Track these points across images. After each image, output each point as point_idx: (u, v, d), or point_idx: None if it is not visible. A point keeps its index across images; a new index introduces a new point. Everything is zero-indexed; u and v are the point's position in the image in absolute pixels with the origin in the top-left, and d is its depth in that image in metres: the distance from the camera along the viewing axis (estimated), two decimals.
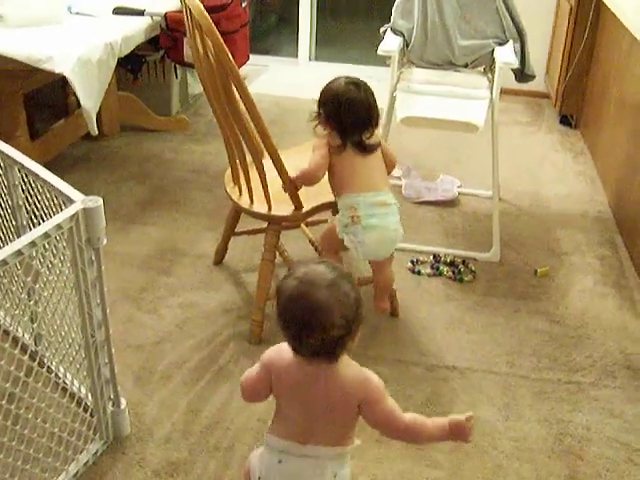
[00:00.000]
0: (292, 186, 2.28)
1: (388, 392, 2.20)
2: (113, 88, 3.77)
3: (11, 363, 1.66)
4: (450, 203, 3.45)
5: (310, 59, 5.36)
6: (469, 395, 2.31)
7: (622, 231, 3.26)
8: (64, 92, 3.83)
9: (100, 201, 1.75)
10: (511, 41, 3.01)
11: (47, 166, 1.82)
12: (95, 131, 2.85)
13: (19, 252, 1.57)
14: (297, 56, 5.35)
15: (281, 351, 1.59)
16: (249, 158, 2.29)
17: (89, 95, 2.78)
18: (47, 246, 1.71)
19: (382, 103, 3.03)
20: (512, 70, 3.00)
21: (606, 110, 3.77)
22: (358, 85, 2.25)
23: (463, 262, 2.95)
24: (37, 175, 1.88)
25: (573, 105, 4.35)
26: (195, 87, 4.49)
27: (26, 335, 2.24)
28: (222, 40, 2.01)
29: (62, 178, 1.85)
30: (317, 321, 1.44)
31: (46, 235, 1.63)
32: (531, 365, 2.45)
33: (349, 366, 1.58)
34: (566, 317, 2.70)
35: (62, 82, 3.64)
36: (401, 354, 2.47)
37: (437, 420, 1.60)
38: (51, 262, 1.85)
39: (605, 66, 3.88)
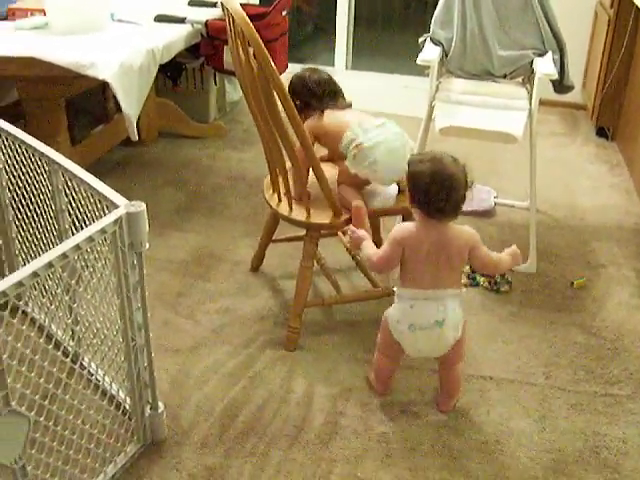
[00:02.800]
0: (331, 195, 2.30)
1: (422, 403, 2.23)
2: (152, 94, 3.82)
3: (53, 364, 1.69)
4: (486, 213, 3.44)
5: (347, 68, 5.38)
6: (505, 406, 2.30)
7: None
8: (104, 98, 3.87)
9: (143, 206, 1.77)
10: (550, 52, 3.00)
11: (87, 170, 1.87)
12: (135, 137, 2.88)
13: (64, 255, 1.60)
14: (334, 65, 5.37)
15: (406, 228, 2.08)
16: (288, 165, 2.31)
17: (130, 101, 2.81)
18: (91, 249, 1.74)
19: (420, 112, 3.06)
20: (551, 81, 2.99)
21: None
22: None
23: (503, 275, 2.94)
24: (81, 179, 1.91)
25: (610, 117, 4.32)
26: (233, 94, 4.53)
27: (67, 337, 2.27)
28: (265, 48, 2.03)
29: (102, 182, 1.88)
30: (457, 185, 1.97)
31: (90, 239, 1.66)
32: (567, 377, 2.44)
33: (454, 225, 2.08)
34: (602, 329, 2.68)
35: (102, 88, 3.69)
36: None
37: (504, 255, 2.15)
38: (94, 265, 1.87)
39: None
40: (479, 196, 3.51)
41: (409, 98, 4.87)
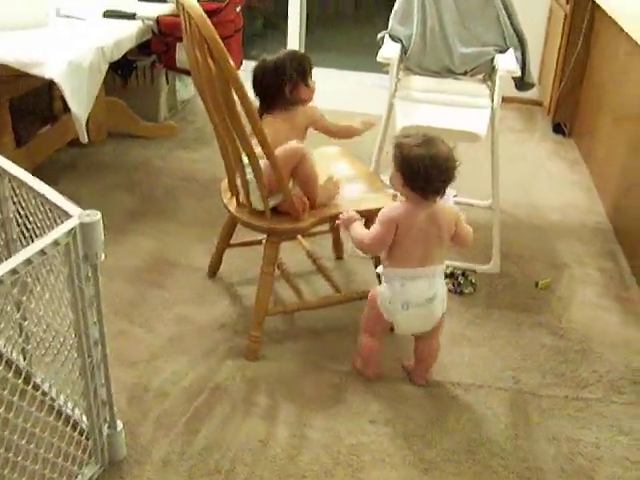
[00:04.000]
0: (292, 199, 2.21)
1: (391, 413, 2.15)
2: (101, 93, 3.66)
3: (3, 386, 1.57)
4: None
5: None
6: (475, 413, 2.24)
7: (621, 242, 3.21)
8: (50, 97, 3.72)
9: (98, 215, 1.66)
10: (512, 49, 2.95)
11: (33, 174, 1.74)
12: (85, 139, 2.76)
13: (14, 271, 1.48)
14: None
15: (397, 208, 2.10)
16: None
17: (79, 101, 2.69)
18: (43, 263, 1.62)
19: (377, 110, 2.98)
20: (512, 78, 2.94)
21: (602, 119, 3.72)
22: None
23: (463, 274, 2.88)
24: (30, 187, 1.79)
25: (566, 113, 4.32)
26: (184, 92, 4.40)
27: (17, 355, 2.15)
28: (224, 47, 1.93)
29: (49, 186, 1.77)
30: (453, 165, 2.04)
31: (42, 252, 1.55)
32: (537, 381, 2.39)
33: (439, 202, 2.11)
34: (569, 331, 2.64)
35: (48, 87, 3.54)
36: (401, 371, 2.40)
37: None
38: (45, 279, 1.75)
39: (600, 74, 3.83)
40: None
41: (365, 95, 4.82)
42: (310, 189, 2.29)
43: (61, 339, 1.83)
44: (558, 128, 4.40)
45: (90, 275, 1.71)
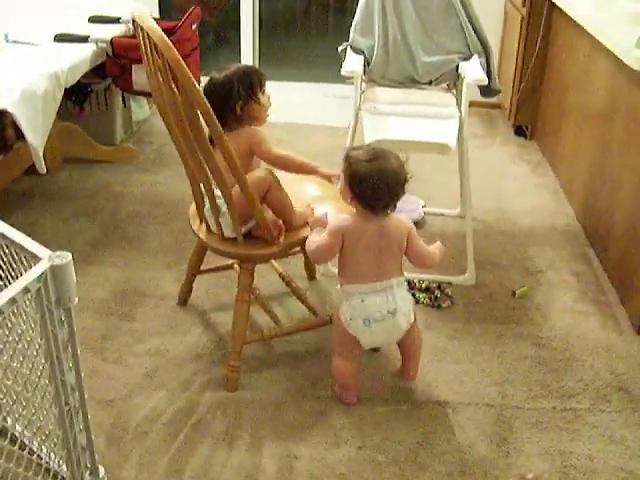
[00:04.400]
0: (266, 223, 2.14)
1: (378, 437, 2.09)
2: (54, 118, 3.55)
3: None
4: (416, 224, 3.27)
5: None
6: (465, 432, 2.19)
7: (593, 244, 3.19)
8: (1, 125, 3.59)
9: (69, 257, 1.57)
10: (476, 55, 2.92)
11: None
12: (43, 169, 2.66)
13: None
14: None
15: (345, 220, 2.08)
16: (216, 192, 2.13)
17: (35, 130, 2.59)
18: (14, 311, 1.53)
19: (337, 121, 2.91)
20: (478, 85, 2.90)
21: (565, 120, 3.71)
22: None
23: (439, 287, 2.83)
24: None
25: (527, 116, 4.30)
26: (139, 113, 4.29)
27: None
28: (189, 72, 1.85)
29: (5, 218, 1.68)
30: (401, 180, 2.03)
31: (13, 301, 1.45)
32: (523, 394, 2.35)
33: (392, 215, 2.10)
34: (551, 339, 2.60)
35: None
36: (386, 392, 2.34)
37: (433, 248, 2.25)
38: (14, 328, 1.66)
39: (561, 76, 3.82)
40: (407, 207, 3.39)
41: (325, 107, 4.76)
42: (284, 214, 2.22)
43: (35, 388, 1.73)
44: (519, 131, 4.39)
45: (64, 319, 1.62)
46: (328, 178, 2.28)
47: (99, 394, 2.28)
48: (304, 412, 2.24)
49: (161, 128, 4.37)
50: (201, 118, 1.93)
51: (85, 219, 3.32)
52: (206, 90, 2.20)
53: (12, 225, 1.66)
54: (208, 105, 1.89)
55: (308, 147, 3.93)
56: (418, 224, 3.32)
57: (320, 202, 2.40)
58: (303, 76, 5.16)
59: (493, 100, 4.58)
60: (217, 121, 1.91)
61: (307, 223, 2.26)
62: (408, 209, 3.37)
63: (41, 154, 2.61)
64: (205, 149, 1.99)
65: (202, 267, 2.65)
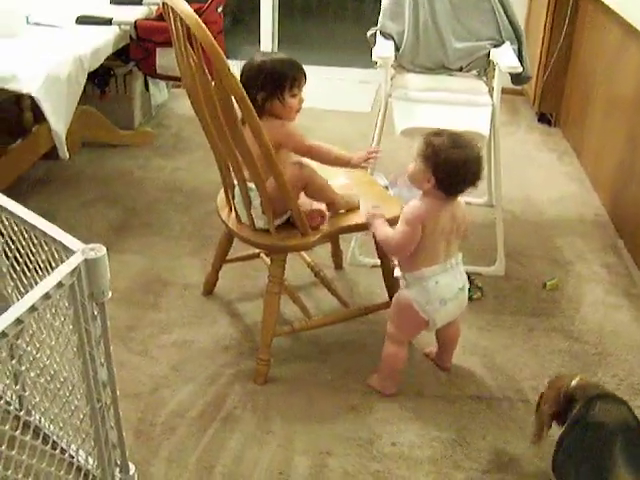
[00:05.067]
0: (299, 213, 2.08)
1: (412, 433, 2.02)
2: None
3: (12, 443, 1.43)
4: None
5: None
6: (500, 429, 2.14)
7: (623, 235, 3.13)
8: (18, 109, 3.53)
9: (103, 250, 1.52)
10: (507, 42, 2.84)
11: (6, 191, 1.58)
12: (66, 155, 2.60)
13: (18, 321, 1.33)
14: None
15: (422, 207, 2.05)
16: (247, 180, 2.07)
17: (59, 116, 2.53)
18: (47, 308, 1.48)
19: (363, 107, 2.82)
20: (509, 73, 2.82)
21: (592, 108, 3.64)
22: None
23: (469, 278, 2.76)
24: (23, 220, 1.64)
25: (552, 103, 4.22)
26: (158, 97, 4.22)
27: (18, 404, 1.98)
28: (224, 56, 1.79)
29: (23, 203, 1.62)
30: (481, 168, 2.04)
31: (47, 296, 1.40)
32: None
33: None
34: (584, 333, 2.55)
35: (16, 98, 3.36)
36: (419, 386, 2.29)
37: None
38: (48, 323, 1.61)
39: (588, 62, 3.75)
40: None
41: (347, 92, 4.69)
42: (326, 198, 2.18)
43: (65, 385, 1.68)
44: (543, 118, 4.31)
45: (97, 314, 1.57)
46: (361, 166, 2.21)
47: (125, 387, 2.22)
48: (336, 406, 2.19)
49: (180, 112, 4.34)
50: (235, 105, 1.87)
51: (104, 205, 3.27)
52: (243, 70, 2.12)
53: (30, 211, 1.61)
54: (243, 91, 1.83)
55: (327, 133, 3.85)
56: None
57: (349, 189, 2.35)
58: (322, 60, 5.08)
59: (515, 86, 4.52)
60: (253, 109, 1.85)
61: (350, 210, 2.24)
62: None
63: (64, 140, 2.55)
64: (239, 139, 1.93)
65: (229, 256, 2.59)
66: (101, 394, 1.64)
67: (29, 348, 1.66)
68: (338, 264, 2.82)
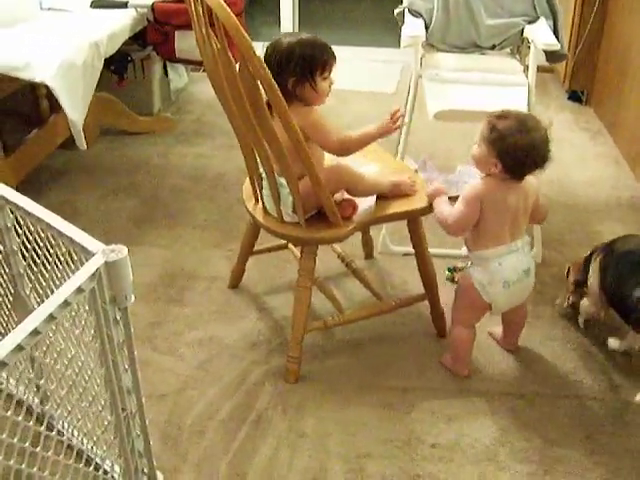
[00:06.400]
0: (331, 204, 1.96)
1: (452, 434, 1.91)
2: None
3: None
4: None
5: None
6: (543, 427, 2.03)
7: None
8: (34, 97, 3.43)
9: (125, 250, 1.42)
10: (542, 18, 2.70)
11: (23, 183, 1.50)
12: (84, 145, 2.50)
13: (36, 332, 1.23)
14: None
15: (482, 187, 2.00)
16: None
17: (75, 104, 2.43)
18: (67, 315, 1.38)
19: (390, 87, 2.67)
20: (544, 50, 2.68)
21: (628, 85, 3.49)
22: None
23: None
24: (39, 219, 1.54)
25: (584, 80, 4.07)
26: (177, 81, 4.11)
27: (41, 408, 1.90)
28: (249, 39, 1.67)
29: (41, 196, 1.52)
30: (549, 151, 1.95)
31: (66, 303, 1.30)
32: (604, 384, 2.17)
33: None
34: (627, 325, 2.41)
35: (31, 86, 3.25)
36: (458, 382, 2.18)
37: None
38: (68, 331, 1.51)
39: (623, 36, 3.59)
40: (465, 178, 3.21)
41: (368, 71, 4.56)
42: (371, 193, 2.10)
43: (88, 394, 1.59)
44: (574, 96, 4.16)
45: (119, 318, 1.46)
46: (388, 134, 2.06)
47: (150, 388, 2.13)
48: (370, 406, 2.09)
49: (200, 96, 4.23)
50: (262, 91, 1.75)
51: (125, 195, 3.17)
52: (267, 52, 1.97)
53: (48, 203, 1.51)
54: (271, 77, 1.71)
55: (353, 114, 3.74)
56: None
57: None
58: (344, 39, 4.93)
59: (543, 63, 4.37)
60: (282, 96, 1.73)
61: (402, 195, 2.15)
62: (465, 181, 3.18)
63: (81, 129, 2.44)
64: (267, 129, 1.81)
65: (255, 248, 2.49)
66: (125, 402, 1.55)
67: (47, 359, 1.57)
68: (369, 253, 2.71)
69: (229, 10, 1.64)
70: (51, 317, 1.27)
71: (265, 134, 1.83)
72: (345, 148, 1.99)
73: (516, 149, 1.91)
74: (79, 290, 1.33)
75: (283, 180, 1.93)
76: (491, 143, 1.94)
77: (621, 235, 2.33)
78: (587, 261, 2.32)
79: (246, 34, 1.64)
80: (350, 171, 2.02)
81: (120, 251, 1.41)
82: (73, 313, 1.43)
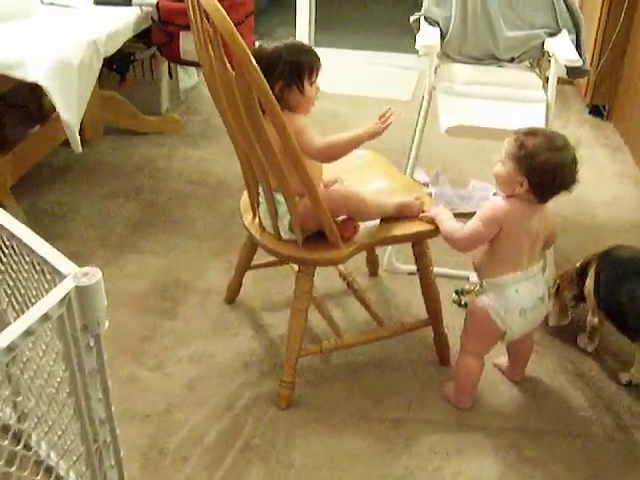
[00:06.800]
0: (330, 223, 1.85)
1: (451, 470, 1.80)
2: (95, 86, 3.26)
3: None
4: None
5: (310, 43, 4.88)
6: (546, 468, 1.91)
7: None
8: (36, 93, 3.32)
9: (99, 274, 1.29)
10: (564, 31, 2.57)
11: (22, 180, 1.39)
12: (79, 148, 2.40)
13: None
14: None
15: (505, 207, 1.89)
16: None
17: (69, 106, 2.33)
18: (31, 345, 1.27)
19: (402, 95, 2.53)
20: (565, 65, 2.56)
21: None
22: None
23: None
24: (11, 234, 1.43)
25: (606, 94, 3.92)
26: (186, 81, 4.00)
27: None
28: (246, 46, 1.56)
29: (40, 193, 1.42)
30: (577, 171, 1.87)
31: (28, 333, 1.19)
32: (612, 424, 2.05)
33: None
34: None
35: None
36: (460, 415, 2.06)
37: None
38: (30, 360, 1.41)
39: None
40: (478, 194, 3.09)
41: (386, 78, 4.43)
42: (377, 216, 1.99)
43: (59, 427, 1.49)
44: (595, 111, 4.02)
45: (92, 345, 1.35)
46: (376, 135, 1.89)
47: (134, 407, 2.03)
48: (365, 437, 1.98)
49: (210, 96, 4.09)
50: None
51: (125, 198, 3.06)
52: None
53: (46, 202, 1.40)
54: (268, 87, 1.60)
55: (363, 122, 3.61)
56: None
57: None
58: (361, 43, 4.82)
59: (564, 75, 4.23)
60: (279, 109, 1.62)
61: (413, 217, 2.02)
62: (479, 197, 3.06)
63: (76, 132, 2.34)
64: (263, 137, 1.70)
65: (254, 262, 2.37)
66: (98, 433, 1.44)
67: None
68: (373, 271, 2.60)
69: (224, 13, 1.53)
70: (9, 348, 1.16)
71: (260, 143, 1.72)
72: (330, 154, 1.85)
73: (546, 168, 1.81)
74: (45, 317, 1.22)
75: (281, 197, 1.82)
76: (518, 161, 1.84)
77: (612, 246, 2.28)
78: (581, 273, 2.28)
79: (241, 40, 1.52)
80: (353, 196, 1.90)
81: (93, 275, 1.29)
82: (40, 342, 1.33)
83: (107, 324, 1.34)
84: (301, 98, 1.86)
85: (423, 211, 2.00)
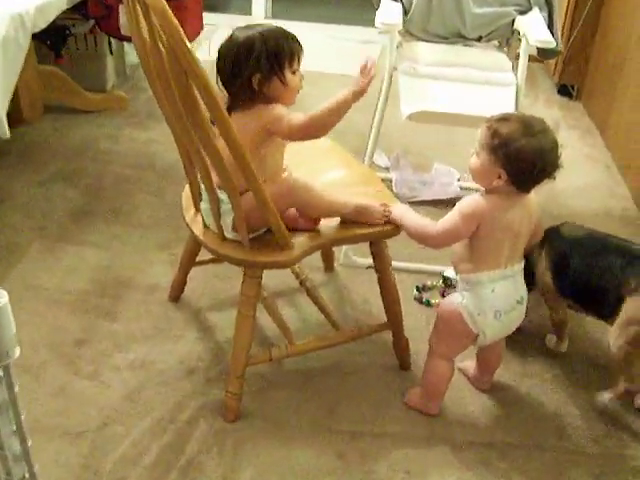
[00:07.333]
0: (279, 224, 1.67)
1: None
2: (32, 62, 3.04)
3: None
4: (452, 202, 2.83)
5: (267, 16, 4.67)
6: None
7: None
8: None
9: (5, 298, 1.11)
10: (536, 8, 2.41)
11: None
12: (6, 133, 2.19)
13: None
14: (251, 14, 4.66)
15: (482, 203, 1.74)
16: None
17: None
18: None
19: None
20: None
21: (623, 81, 3.21)
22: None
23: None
24: None
25: (575, 73, 3.79)
26: (133, 55, 3.77)
27: None
28: (177, 24, 1.36)
29: None
30: (558, 156, 1.72)
31: None
32: (585, 437, 1.92)
33: None
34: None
35: None
36: (422, 427, 1.92)
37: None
38: None
39: (620, 28, 3.31)
40: (440, 179, 2.93)
41: (343, 52, 4.24)
42: (320, 214, 1.79)
43: None
44: (564, 90, 3.88)
45: (1, 376, 1.17)
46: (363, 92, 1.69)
47: (67, 422, 1.85)
48: (318, 452, 1.82)
49: None
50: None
51: (65, 183, 2.85)
52: (221, 51, 1.67)
53: None
54: (207, 77, 1.41)
55: (322, 99, 3.43)
56: (454, 201, 2.83)
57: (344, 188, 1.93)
58: (320, 16, 4.61)
59: (532, 52, 4.08)
60: (220, 103, 1.44)
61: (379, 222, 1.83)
62: (441, 182, 2.90)
63: (4, 117, 2.13)
64: (204, 136, 1.51)
65: (200, 258, 2.20)
66: (12, 470, 1.26)
67: None
68: (329, 265, 2.43)
69: None
70: None
71: (202, 140, 1.54)
72: (316, 128, 1.66)
73: (523, 155, 1.66)
74: None
75: (224, 196, 1.64)
76: (493, 151, 1.69)
77: (550, 228, 2.09)
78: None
79: (173, 17, 1.32)
80: (305, 187, 1.72)
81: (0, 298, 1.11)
82: None
83: (17, 353, 1.16)
84: (284, 89, 1.68)
85: (387, 222, 1.82)
